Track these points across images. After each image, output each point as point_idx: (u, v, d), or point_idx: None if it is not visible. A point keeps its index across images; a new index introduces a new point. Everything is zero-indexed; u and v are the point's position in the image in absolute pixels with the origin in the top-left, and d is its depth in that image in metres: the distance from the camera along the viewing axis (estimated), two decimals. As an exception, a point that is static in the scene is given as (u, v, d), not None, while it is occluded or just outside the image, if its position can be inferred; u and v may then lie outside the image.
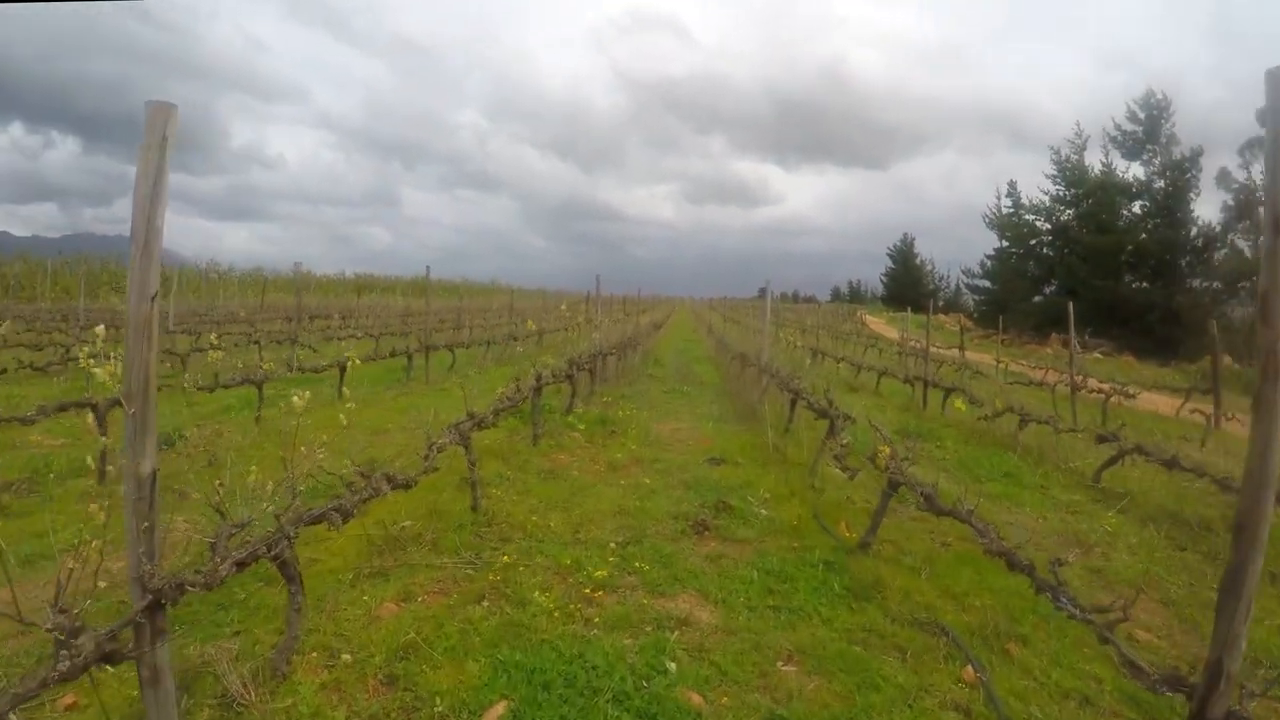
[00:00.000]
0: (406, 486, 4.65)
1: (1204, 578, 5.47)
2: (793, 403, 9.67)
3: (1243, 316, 39.75)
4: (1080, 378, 15.03)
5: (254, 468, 4.06)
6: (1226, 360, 36.22)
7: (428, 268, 14.07)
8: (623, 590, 4.74)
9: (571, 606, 4.42)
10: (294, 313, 27.90)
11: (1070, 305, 16.85)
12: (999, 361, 25.51)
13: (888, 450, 5.51)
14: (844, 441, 6.58)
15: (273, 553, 3.30)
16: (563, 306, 29.72)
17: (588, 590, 4.67)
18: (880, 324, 59.01)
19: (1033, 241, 54.69)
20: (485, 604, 4.43)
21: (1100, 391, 14.74)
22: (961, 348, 34.49)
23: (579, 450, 8.43)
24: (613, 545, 5.50)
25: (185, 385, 8.69)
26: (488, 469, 7.25)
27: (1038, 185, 53.63)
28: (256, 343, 15.15)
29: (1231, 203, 42.08)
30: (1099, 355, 42.32)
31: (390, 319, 29.98)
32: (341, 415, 4.81)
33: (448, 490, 6.49)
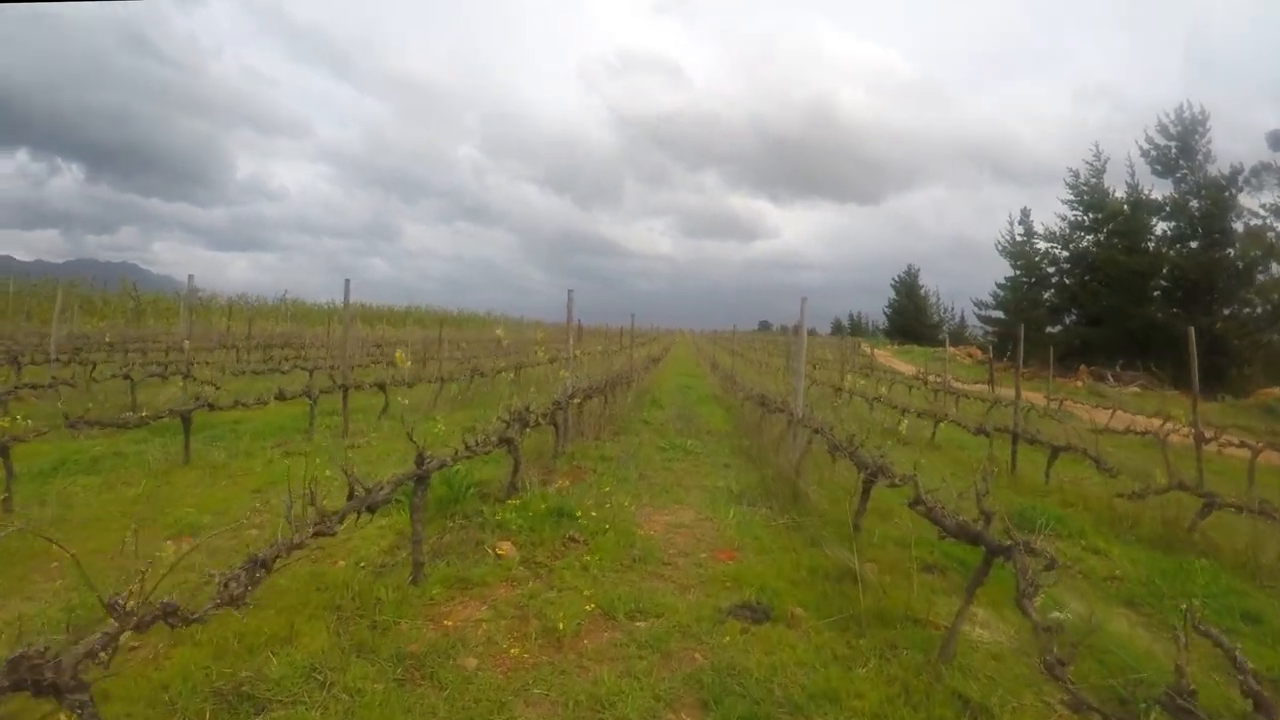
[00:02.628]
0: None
1: None
2: (867, 485, 6.02)
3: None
4: (1211, 430, 11.39)
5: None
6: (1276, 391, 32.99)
7: (347, 281, 10.49)
8: None
9: None
10: (227, 339, 24.50)
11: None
12: (1051, 399, 21.93)
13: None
14: (1054, 620, 2.94)
15: None
16: (538, 336, 26.09)
17: None
18: (888, 357, 55.34)
19: (1051, 269, 51.66)
20: None
21: (1245, 446, 11.04)
22: (991, 382, 31.06)
23: (501, 589, 4.69)
24: None
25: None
26: (305, 647, 3.64)
27: (1054, 211, 50.97)
28: (127, 376, 11.47)
29: (1242, 229, 39.01)
30: (1137, 389, 38.86)
31: (358, 350, 26.30)
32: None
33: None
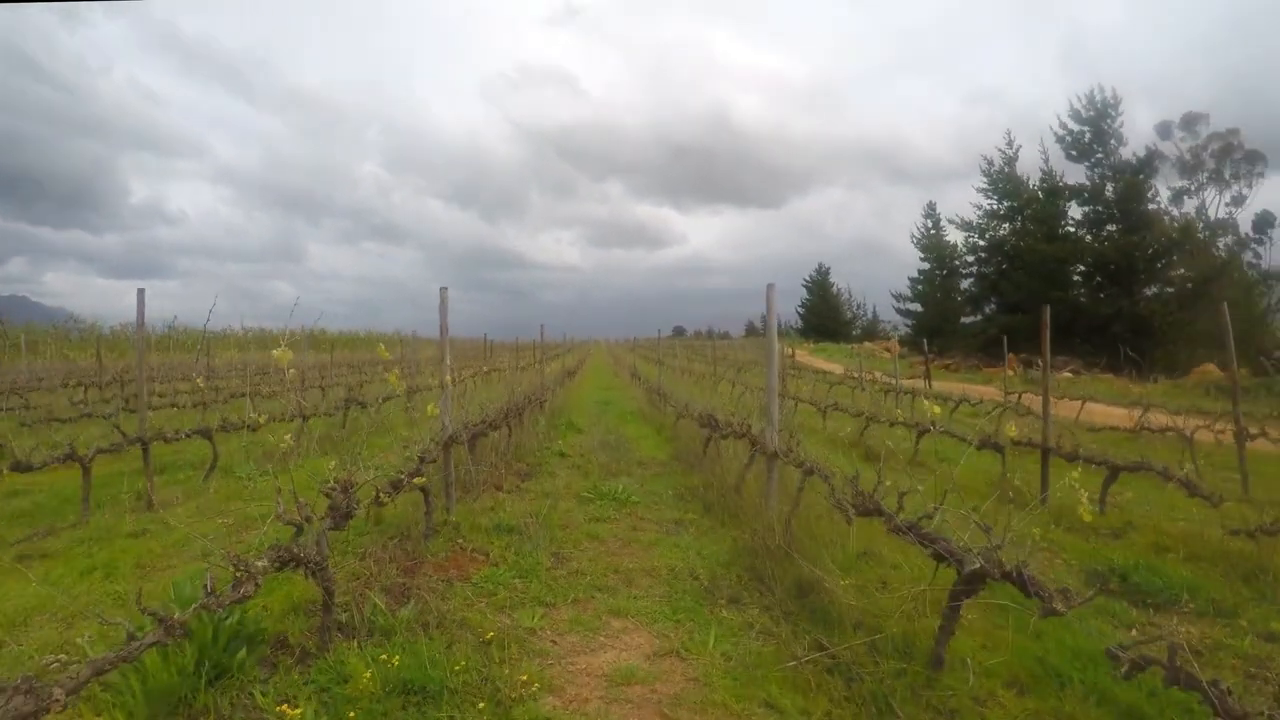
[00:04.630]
0: None
1: None
2: (962, 596, 3.42)
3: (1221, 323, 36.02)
4: (1255, 427, 9.33)
5: None
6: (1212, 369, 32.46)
7: (141, 291, 7.43)
8: None
9: None
10: (74, 376, 20.29)
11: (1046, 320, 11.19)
12: (1009, 394, 20.02)
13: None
14: None
15: None
16: (422, 356, 22.93)
17: None
18: (807, 356, 53.77)
19: (970, 259, 51.11)
20: None
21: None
22: (928, 376, 29.33)
23: None
24: None
25: None
26: None
27: (969, 200, 50.60)
28: None
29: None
30: (1070, 374, 38.02)
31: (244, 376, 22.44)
32: None
33: None
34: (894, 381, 22.04)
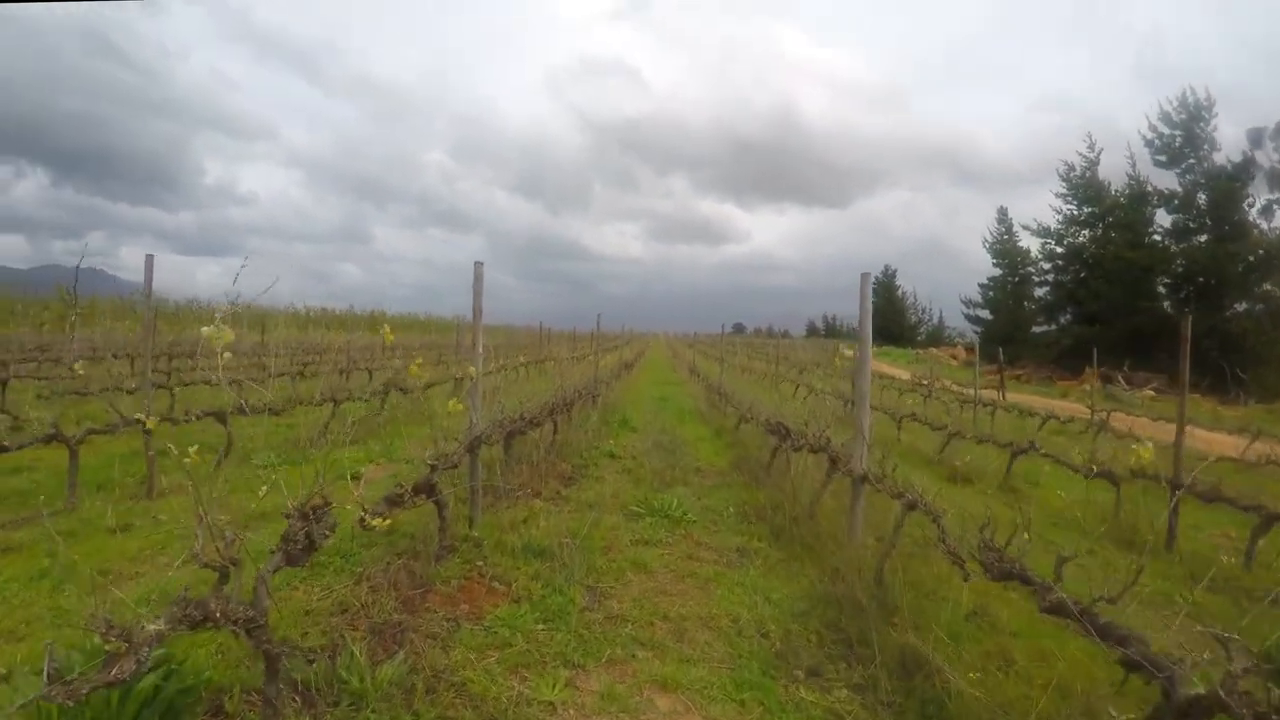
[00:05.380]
0: None
1: None
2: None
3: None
4: None
5: None
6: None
7: (149, 257, 6.69)
8: None
9: None
10: (130, 348, 19.93)
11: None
12: (1096, 410, 18.38)
13: None
14: None
15: None
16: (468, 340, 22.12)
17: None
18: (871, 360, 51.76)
19: (1047, 266, 48.60)
20: None
21: None
22: (1003, 388, 27.46)
23: None
24: None
25: None
26: None
27: (1040, 206, 48.27)
28: None
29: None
30: (1152, 392, 35.61)
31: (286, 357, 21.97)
32: None
33: None
34: (969, 391, 20.60)
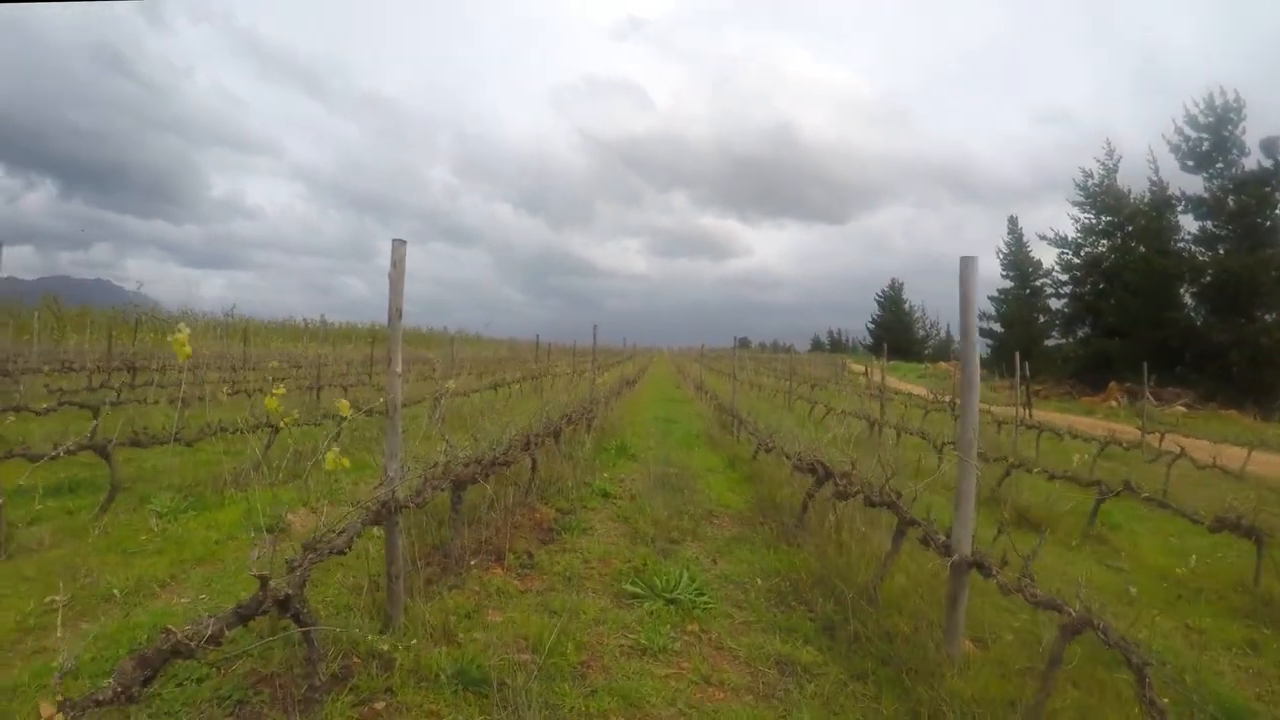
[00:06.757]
0: None
1: None
2: None
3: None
4: None
5: None
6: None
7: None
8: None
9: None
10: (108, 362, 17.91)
11: None
12: (1147, 431, 16.52)
13: None
14: None
15: None
16: (472, 355, 20.31)
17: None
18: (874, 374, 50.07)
19: (1062, 277, 46.71)
20: None
21: None
22: (1029, 405, 25.51)
23: None
24: None
25: None
26: None
27: (1052, 217, 46.61)
28: None
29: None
30: (1183, 408, 33.69)
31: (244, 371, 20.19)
32: None
33: None
34: (994, 410, 18.87)
